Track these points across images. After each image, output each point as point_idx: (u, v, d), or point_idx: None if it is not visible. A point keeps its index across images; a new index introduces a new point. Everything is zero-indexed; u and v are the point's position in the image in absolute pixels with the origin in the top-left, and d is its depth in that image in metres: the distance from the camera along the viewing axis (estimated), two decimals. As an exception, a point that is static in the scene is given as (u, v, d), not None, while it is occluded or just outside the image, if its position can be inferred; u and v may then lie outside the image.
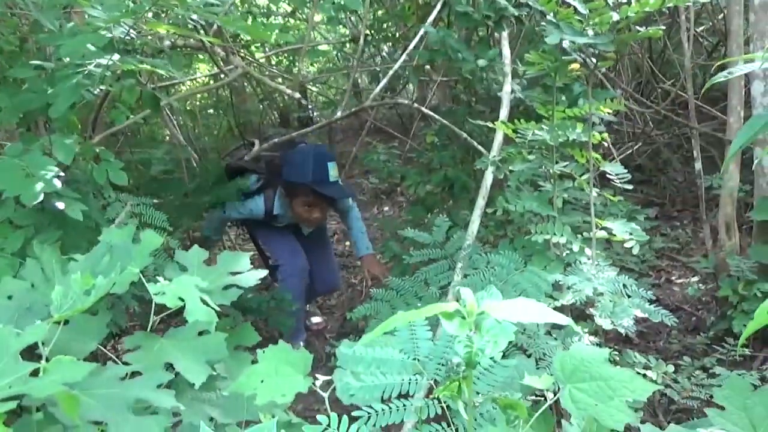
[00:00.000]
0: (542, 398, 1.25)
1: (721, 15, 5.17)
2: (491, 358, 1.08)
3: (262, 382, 1.24)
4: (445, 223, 2.53)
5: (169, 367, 1.37)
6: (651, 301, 2.04)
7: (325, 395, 1.03)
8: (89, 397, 1.15)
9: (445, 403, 1.05)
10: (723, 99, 4.30)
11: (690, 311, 3.88)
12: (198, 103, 8.14)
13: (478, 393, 1.11)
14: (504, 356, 1.39)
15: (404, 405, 1.03)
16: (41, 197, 2.13)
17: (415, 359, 1.10)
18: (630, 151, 5.13)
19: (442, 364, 1.08)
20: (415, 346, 1.12)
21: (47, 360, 1.18)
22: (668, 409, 2.80)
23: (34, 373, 1.09)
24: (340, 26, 7.15)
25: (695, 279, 4.12)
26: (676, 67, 4.94)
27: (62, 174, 2.25)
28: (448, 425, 1.05)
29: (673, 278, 4.34)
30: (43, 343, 1.23)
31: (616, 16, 1.84)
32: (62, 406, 1.07)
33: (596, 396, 1.14)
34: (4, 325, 1.20)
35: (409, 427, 1.08)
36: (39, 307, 1.38)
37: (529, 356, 1.72)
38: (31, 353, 1.19)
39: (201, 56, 6.69)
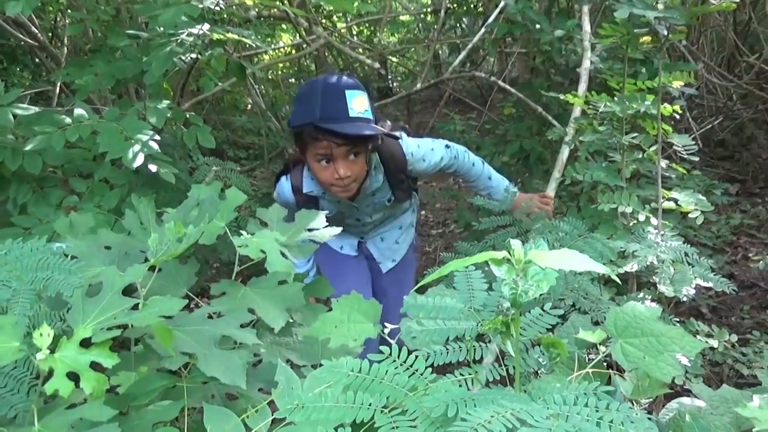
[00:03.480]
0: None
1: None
2: (542, 309, 1.17)
3: (335, 327, 1.36)
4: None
5: (251, 313, 1.49)
6: (713, 271, 2.06)
7: (393, 342, 1.13)
8: (181, 332, 1.29)
9: (498, 346, 1.15)
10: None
11: (766, 288, 3.84)
12: (280, 72, 8.33)
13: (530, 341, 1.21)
14: (563, 317, 1.47)
15: (459, 347, 1.13)
16: (142, 160, 2.29)
17: (470, 308, 1.20)
18: (711, 125, 5.03)
19: (495, 313, 1.17)
20: (472, 296, 1.22)
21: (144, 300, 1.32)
22: (738, 383, 2.82)
23: (134, 309, 1.24)
24: (422, -3, 7.20)
25: (773, 256, 4.06)
26: (762, 41, 4.81)
27: (157, 137, 2.41)
28: (500, 365, 1.14)
29: (750, 255, 4.29)
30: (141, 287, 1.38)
31: (687, -11, 1.87)
32: (158, 337, 1.21)
33: (646, 350, 1.21)
34: (109, 267, 1.35)
35: (488, 362, 1.18)
36: (136, 253, 1.53)
37: (590, 319, 1.79)
38: (129, 295, 1.33)
39: (284, 26, 6.85)
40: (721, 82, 5.03)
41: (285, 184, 2.57)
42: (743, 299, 3.77)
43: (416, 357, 1.04)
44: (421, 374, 1.02)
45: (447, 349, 1.12)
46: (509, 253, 0.93)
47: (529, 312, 1.16)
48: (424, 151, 2.58)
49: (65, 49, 4.22)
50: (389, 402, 0.96)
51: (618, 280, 1.01)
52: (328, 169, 2.34)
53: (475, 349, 1.13)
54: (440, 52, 8.25)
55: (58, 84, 3.63)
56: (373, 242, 2.89)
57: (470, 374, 1.09)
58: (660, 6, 1.93)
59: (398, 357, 1.03)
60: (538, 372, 1.27)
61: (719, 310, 3.68)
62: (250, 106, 7.63)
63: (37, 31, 3.46)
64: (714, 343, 2.14)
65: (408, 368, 1.02)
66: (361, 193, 2.52)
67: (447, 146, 2.66)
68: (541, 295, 0.95)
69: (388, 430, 0.93)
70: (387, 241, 2.89)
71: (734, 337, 2.41)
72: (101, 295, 1.24)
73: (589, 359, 1.36)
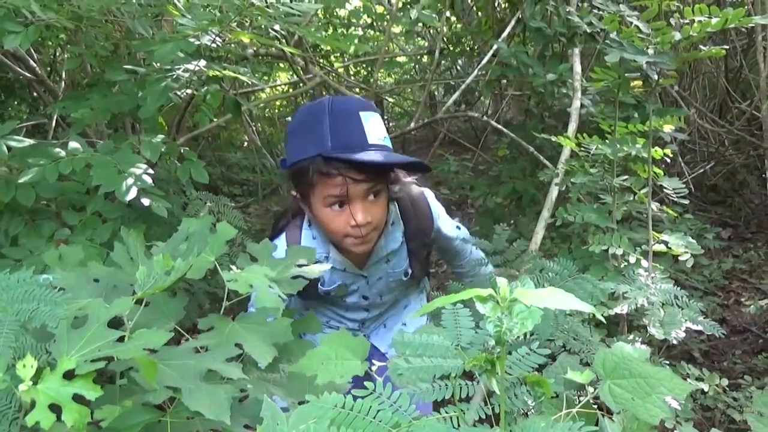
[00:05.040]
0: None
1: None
2: (529, 347, 1.17)
3: (322, 364, 1.35)
4: (504, 232, 2.59)
5: (239, 348, 1.48)
6: (704, 314, 2.06)
7: (380, 379, 1.12)
8: (166, 366, 1.28)
9: (484, 385, 1.15)
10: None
11: (758, 333, 3.84)
12: (276, 110, 8.39)
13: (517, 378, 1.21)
14: (552, 358, 1.46)
15: (446, 384, 1.13)
16: (135, 193, 2.29)
17: (457, 346, 1.20)
18: (703, 170, 5.07)
19: (481, 351, 1.17)
20: (459, 334, 1.22)
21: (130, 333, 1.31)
22: (729, 428, 2.80)
23: (120, 341, 1.23)
24: (419, 38, 7.29)
25: (765, 302, 4.06)
26: (753, 88, 4.88)
27: (151, 171, 2.41)
28: (486, 404, 1.13)
29: (743, 300, 4.29)
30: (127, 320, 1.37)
31: (678, 36, 1.89)
32: (142, 371, 1.20)
33: (634, 392, 1.20)
34: (95, 299, 1.35)
35: (476, 401, 1.18)
36: (124, 286, 1.52)
37: (580, 360, 1.78)
38: (117, 328, 1.32)
39: (281, 65, 6.90)
40: (713, 127, 5.09)
41: (279, 246, 1.97)
42: (735, 344, 3.76)
43: (400, 394, 1.03)
44: (405, 411, 1.02)
45: (433, 386, 1.12)
46: (495, 291, 0.93)
47: (516, 351, 1.16)
48: (445, 219, 2.19)
49: (63, 83, 4.25)
50: (372, 438, 0.96)
51: (603, 318, 1.01)
52: (342, 215, 1.84)
53: (461, 388, 1.13)
54: (436, 92, 8.32)
55: (55, 117, 3.64)
56: (375, 333, 2.36)
57: (455, 412, 1.08)
58: (650, 51, 1.96)
59: (383, 393, 1.03)
60: (528, 413, 1.27)
61: (711, 355, 3.67)
62: (246, 143, 7.67)
63: (35, 65, 3.48)
64: (704, 386, 2.14)
65: (392, 405, 1.02)
66: (373, 256, 2.06)
67: (458, 227, 2.28)
68: (532, 335, 0.95)
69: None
70: (391, 327, 2.36)
71: (725, 382, 2.41)
72: (86, 326, 1.23)
73: (578, 400, 1.36)
